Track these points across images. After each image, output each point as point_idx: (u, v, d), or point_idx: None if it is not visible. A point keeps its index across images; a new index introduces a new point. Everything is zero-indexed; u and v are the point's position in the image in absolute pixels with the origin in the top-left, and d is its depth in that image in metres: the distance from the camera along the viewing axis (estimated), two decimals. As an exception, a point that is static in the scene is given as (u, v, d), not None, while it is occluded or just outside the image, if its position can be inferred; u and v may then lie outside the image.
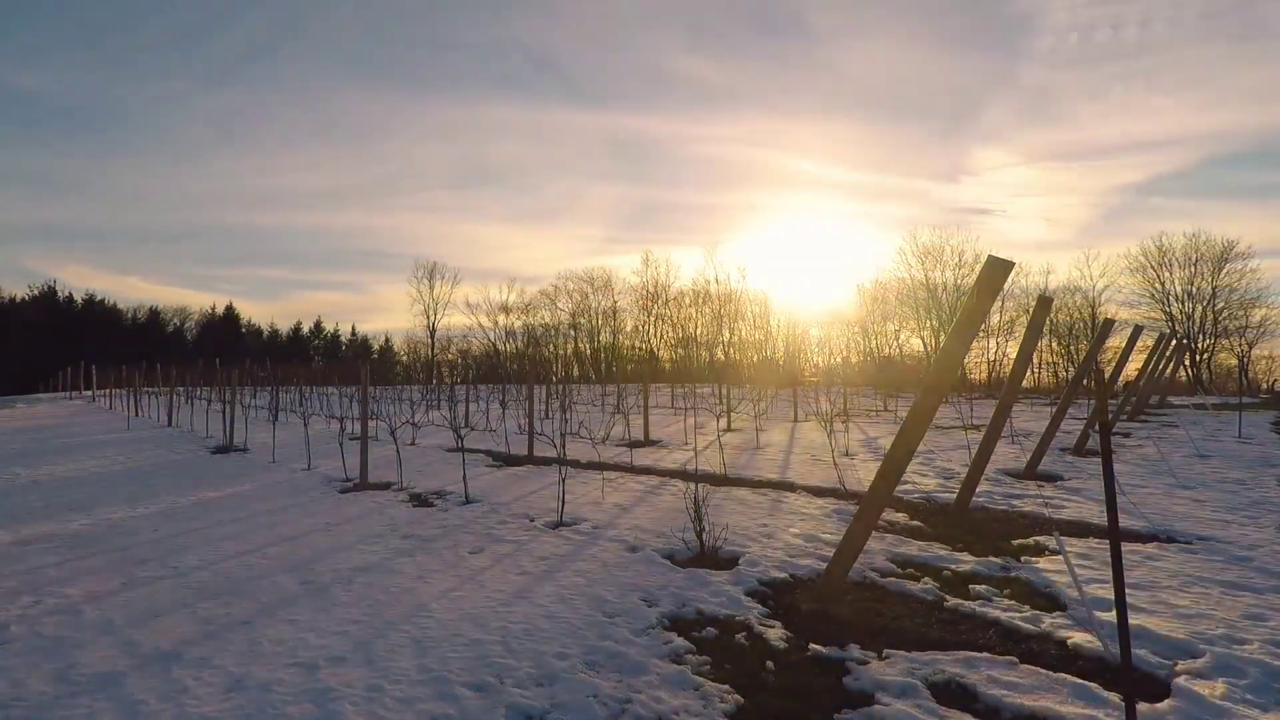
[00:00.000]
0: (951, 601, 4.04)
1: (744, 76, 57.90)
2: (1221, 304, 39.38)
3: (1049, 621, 3.70)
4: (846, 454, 9.98)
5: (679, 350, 50.06)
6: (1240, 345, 39.58)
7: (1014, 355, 7.28)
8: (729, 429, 13.62)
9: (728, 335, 49.02)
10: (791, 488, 7.50)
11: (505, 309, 54.12)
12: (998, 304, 36.76)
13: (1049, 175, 60.05)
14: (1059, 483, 7.66)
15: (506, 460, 10.03)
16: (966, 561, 4.77)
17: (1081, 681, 3.01)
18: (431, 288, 56.05)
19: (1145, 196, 55.88)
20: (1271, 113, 51.76)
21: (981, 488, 6.98)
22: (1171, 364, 18.29)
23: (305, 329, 70.27)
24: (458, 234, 76.20)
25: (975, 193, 56.11)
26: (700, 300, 49.58)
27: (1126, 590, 2.57)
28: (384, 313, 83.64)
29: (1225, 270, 38.92)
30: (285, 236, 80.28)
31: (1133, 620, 3.33)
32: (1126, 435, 11.78)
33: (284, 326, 70.60)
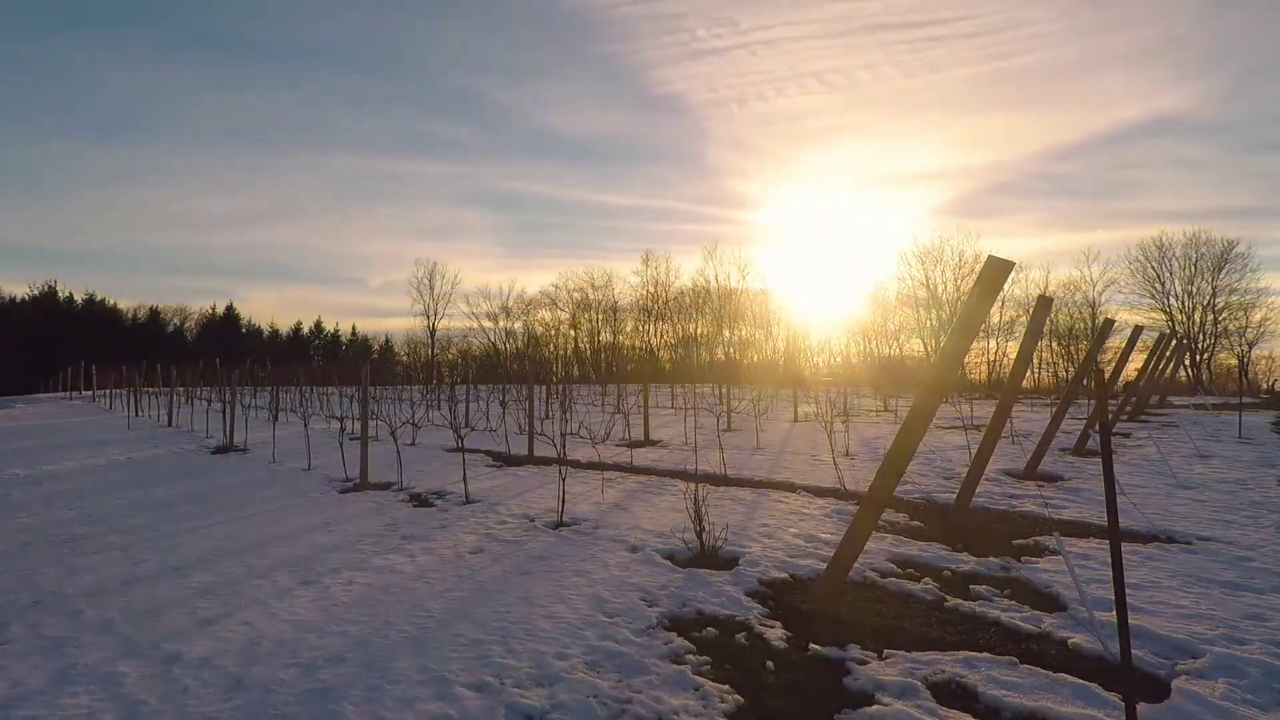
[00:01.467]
0: (951, 601, 4.04)
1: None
2: (1221, 304, 39.43)
3: (1049, 621, 3.70)
4: (846, 454, 9.98)
5: (679, 350, 50.08)
6: (1240, 345, 39.61)
7: (1014, 355, 7.27)
8: (729, 429, 13.62)
9: (728, 335, 49.07)
10: (791, 488, 7.50)
11: (505, 309, 54.18)
12: (998, 304, 36.78)
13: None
14: (1059, 483, 7.66)
15: (506, 460, 10.03)
16: (966, 561, 4.77)
17: (1081, 681, 3.01)
18: (432, 288, 56.11)
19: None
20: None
21: (982, 488, 6.98)
22: (1171, 364, 18.29)
23: (305, 329, 70.35)
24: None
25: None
26: (700, 300, 49.64)
27: (1126, 590, 2.57)
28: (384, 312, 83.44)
29: (1225, 270, 38.98)
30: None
31: (1133, 620, 3.33)
32: (1127, 435, 11.78)
33: (284, 326, 70.72)
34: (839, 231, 59.76)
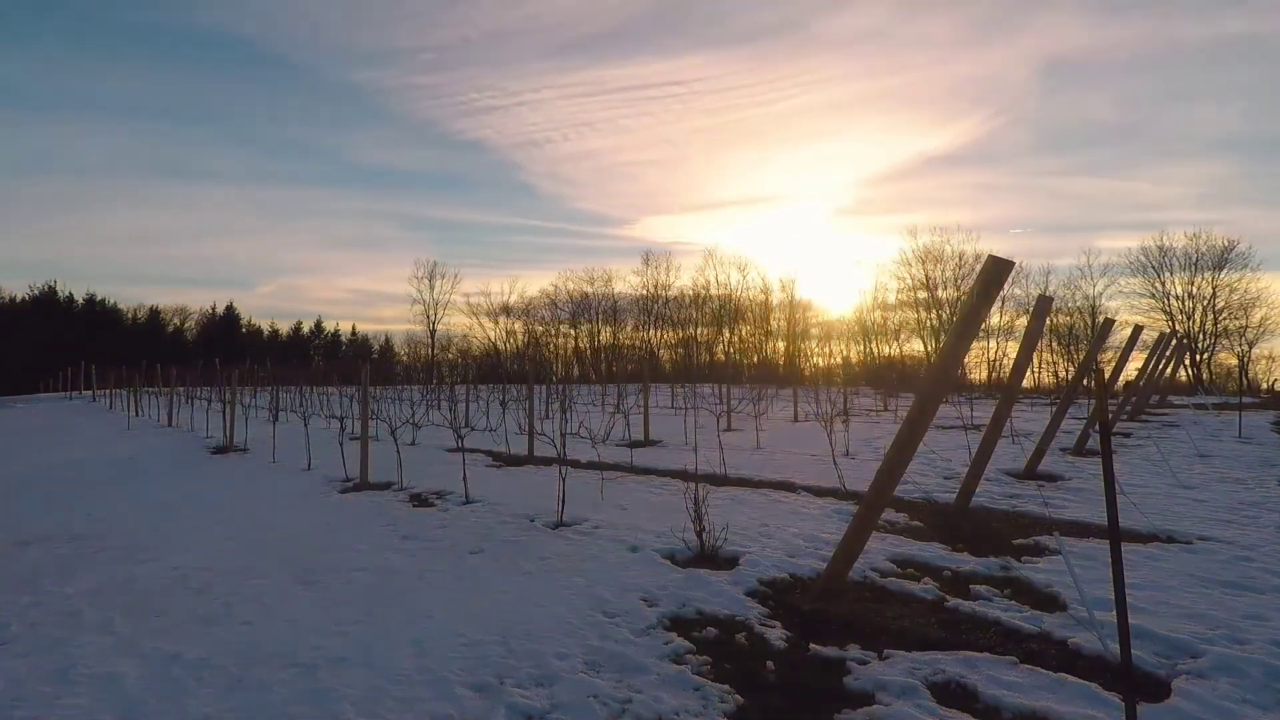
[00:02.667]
0: (952, 601, 4.04)
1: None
2: (1221, 304, 39.43)
3: (1049, 621, 3.70)
4: (846, 454, 9.98)
5: (679, 350, 50.07)
6: (1240, 345, 39.61)
7: (1014, 355, 7.27)
8: (729, 429, 13.62)
9: (728, 335, 49.06)
10: (791, 488, 7.50)
11: (505, 308, 54.17)
12: (997, 304, 36.81)
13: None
14: (1059, 483, 7.66)
15: (507, 460, 10.03)
16: (966, 561, 4.77)
17: (1082, 681, 3.01)
18: (432, 287, 56.09)
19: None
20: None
21: (982, 487, 6.98)
22: (1172, 364, 18.29)
23: (305, 329, 70.36)
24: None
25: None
26: (700, 300, 49.65)
27: (1127, 590, 2.57)
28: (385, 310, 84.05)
29: (1225, 270, 38.99)
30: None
31: (1133, 620, 3.32)
32: (1127, 435, 11.77)
33: (284, 326, 70.75)
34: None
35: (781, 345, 47.26)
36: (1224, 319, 39.59)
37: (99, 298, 60.43)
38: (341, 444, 9.26)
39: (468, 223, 77.42)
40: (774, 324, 48.13)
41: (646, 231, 71.06)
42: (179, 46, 67.02)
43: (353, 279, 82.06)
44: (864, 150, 64.37)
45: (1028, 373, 13.26)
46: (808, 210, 66.39)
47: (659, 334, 51.67)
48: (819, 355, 39.61)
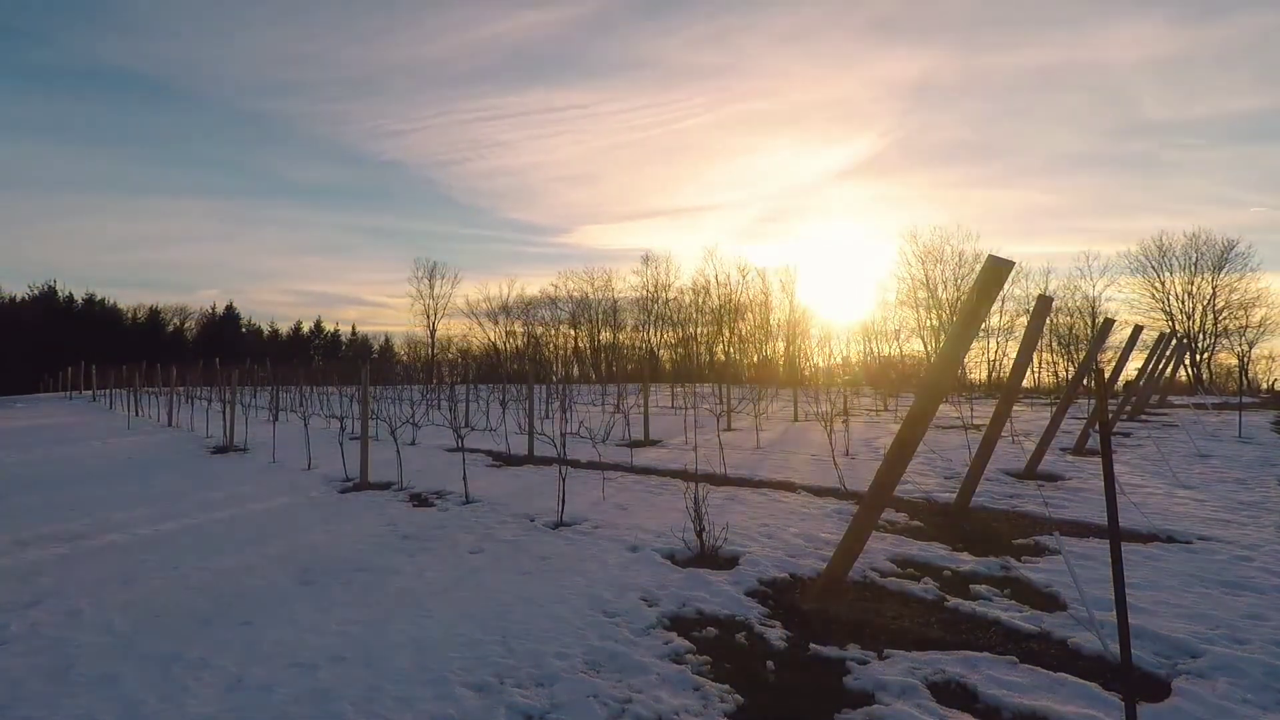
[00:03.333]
0: (952, 601, 4.04)
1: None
2: (1221, 304, 39.43)
3: (1049, 621, 3.70)
4: (847, 454, 9.98)
5: (679, 350, 50.08)
6: (1240, 345, 39.61)
7: (1014, 355, 7.27)
8: (729, 429, 13.62)
9: (728, 334, 49.07)
10: (791, 488, 7.50)
11: (505, 308, 54.18)
12: (997, 304, 36.82)
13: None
14: (1059, 482, 7.66)
15: (507, 460, 10.03)
16: (966, 561, 4.77)
17: (1082, 681, 3.01)
18: (432, 288, 56.10)
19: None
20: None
21: (982, 487, 6.98)
22: (1171, 364, 18.28)
23: (305, 329, 70.35)
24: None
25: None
26: (700, 300, 49.66)
27: (1127, 590, 2.57)
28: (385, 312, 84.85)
29: (1225, 270, 39.00)
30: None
31: (1133, 620, 3.32)
32: (1127, 435, 11.77)
33: (284, 326, 70.74)
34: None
35: (782, 345, 47.28)
36: (1224, 319, 39.61)
37: (99, 298, 60.49)
38: (341, 444, 9.26)
39: (396, 229, 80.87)
40: (774, 324, 48.18)
41: (584, 239, 74.73)
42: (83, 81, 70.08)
43: (308, 283, 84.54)
44: (774, 163, 68.18)
45: (1028, 373, 13.27)
46: (729, 219, 71.13)
47: (659, 334, 51.72)
48: (819, 355, 39.65)
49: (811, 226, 66.17)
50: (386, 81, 69.63)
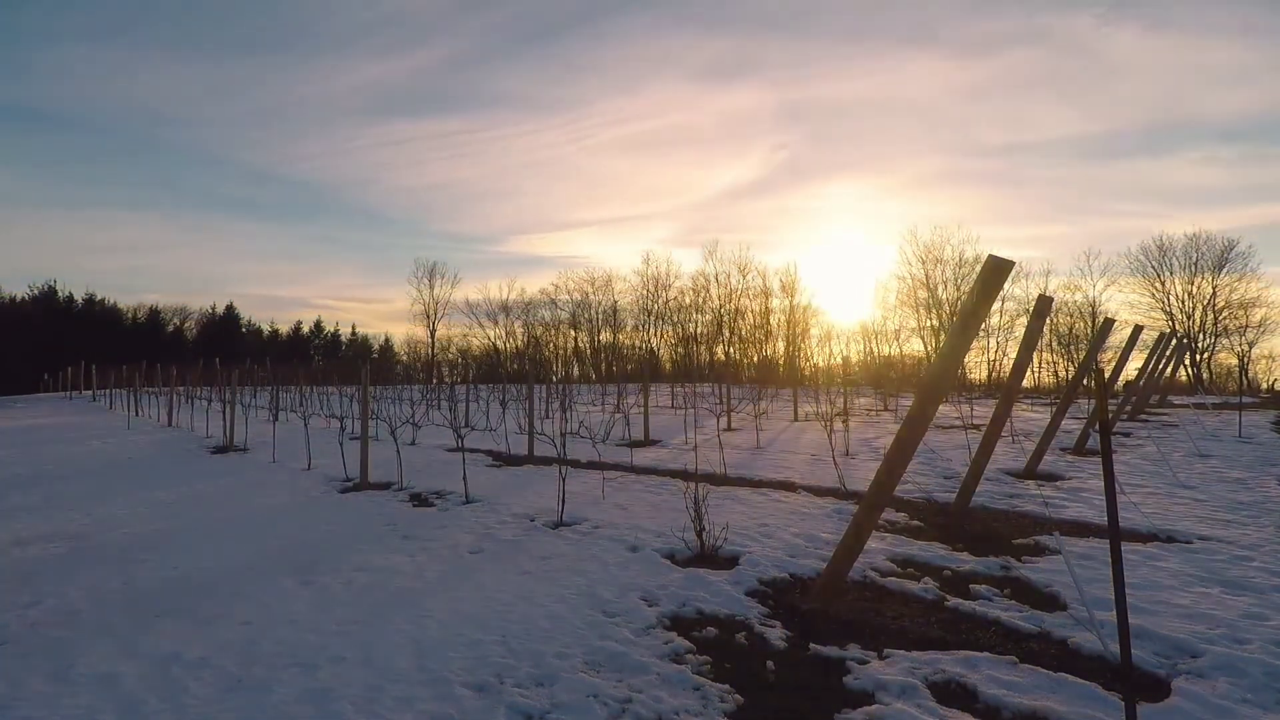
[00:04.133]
0: (952, 601, 4.04)
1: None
2: (1221, 304, 39.42)
3: (1049, 621, 3.70)
4: (846, 454, 9.98)
5: (679, 350, 50.07)
6: (1240, 345, 39.61)
7: (1014, 355, 7.27)
8: (729, 429, 13.62)
9: (728, 334, 49.06)
10: (791, 488, 7.50)
11: (505, 308, 54.15)
12: (998, 304, 36.84)
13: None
14: (1059, 482, 7.66)
15: (506, 460, 10.03)
16: (966, 561, 4.77)
17: (1082, 681, 3.01)
18: (432, 288, 56.08)
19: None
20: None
21: (982, 487, 6.98)
22: (1172, 364, 18.28)
23: (305, 329, 70.34)
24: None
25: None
26: (700, 300, 49.65)
27: (1127, 590, 2.57)
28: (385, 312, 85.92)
29: (1225, 270, 39.00)
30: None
31: (1133, 620, 3.32)
32: (1127, 435, 11.77)
33: (284, 326, 70.75)
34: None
35: (782, 345, 47.28)
36: (1224, 319, 39.61)
37: (99, 297, 60.47)
38: (341, 444, 9.26)
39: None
40: (774, 324, 48.18)
41: (514, 247, 78.90)
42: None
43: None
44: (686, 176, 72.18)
45: (1028, 373, 13.26)
46: (648, 230, 75.24)
47: (659, 334, 51.73)
48: (819, 355, 39.66)
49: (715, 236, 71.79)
50: (288, 113, 74.12)
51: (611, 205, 74.85)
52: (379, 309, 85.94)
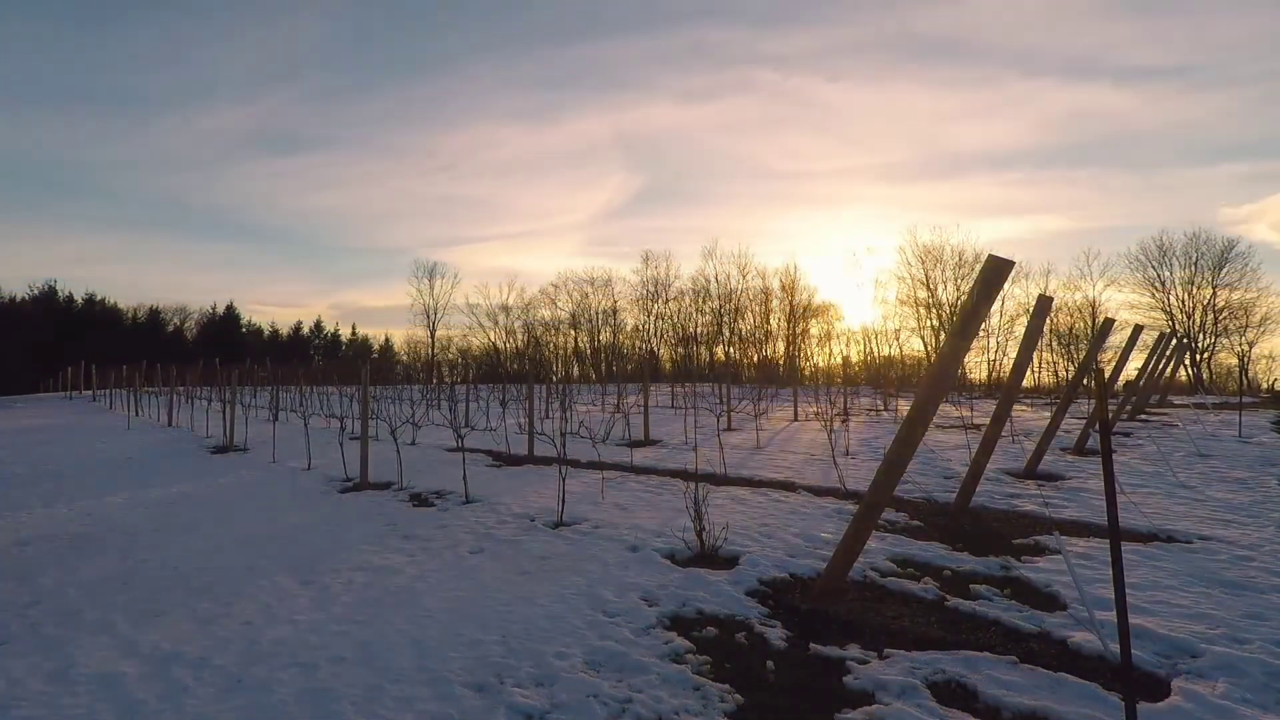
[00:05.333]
0: (952, 601, 4.04)
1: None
2: (1221, 304, 39.42)
3: (1049, 621, 3.70)
4: (846, 454, 9.98)
5: (679, 349, 50.05)
6: (1240, 345, 39.60)
7: (1014, 355, 7.27)
8: (729, 428, 13.62)
9: (728, 333, 49.04)
10: (791, 487, 7.50)
11: (505, 308, 54.13)
12: (998, 304, 36.84)
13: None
14: (1059, 482, 7.66)
15: (506, 460, 10.03)
16: (966, 561, 4.77)
17: (1082, 681, 3.01)
18: (432, 287, 56.05)
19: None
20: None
21: (982, 487, 6.98)
22: (1172, 363, 18.28)
23: (305, 329, 70.35)
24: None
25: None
26: (700, 299, 49.63)
27: (1127, 590, 2.57)
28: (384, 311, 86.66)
29: (1225, 270, 38.99)
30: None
31: (1133, 620, 3.32)
32: (1127, 435, 11.77)
33: (284, 326, 70.77)
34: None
35: (782, 346, 47.27)
36: (1224, 319, 39.60)
37: (99, 297, 60.49)
38: (341, 444, 9.26)
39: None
40: (774, 324, 48.17)
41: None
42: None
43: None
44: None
45: (1028, 373, 13.27)
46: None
47: (659, 334, 51.73)
48: (819, 355, 39.67)
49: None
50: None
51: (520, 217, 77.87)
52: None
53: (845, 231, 68.22)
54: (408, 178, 76.74)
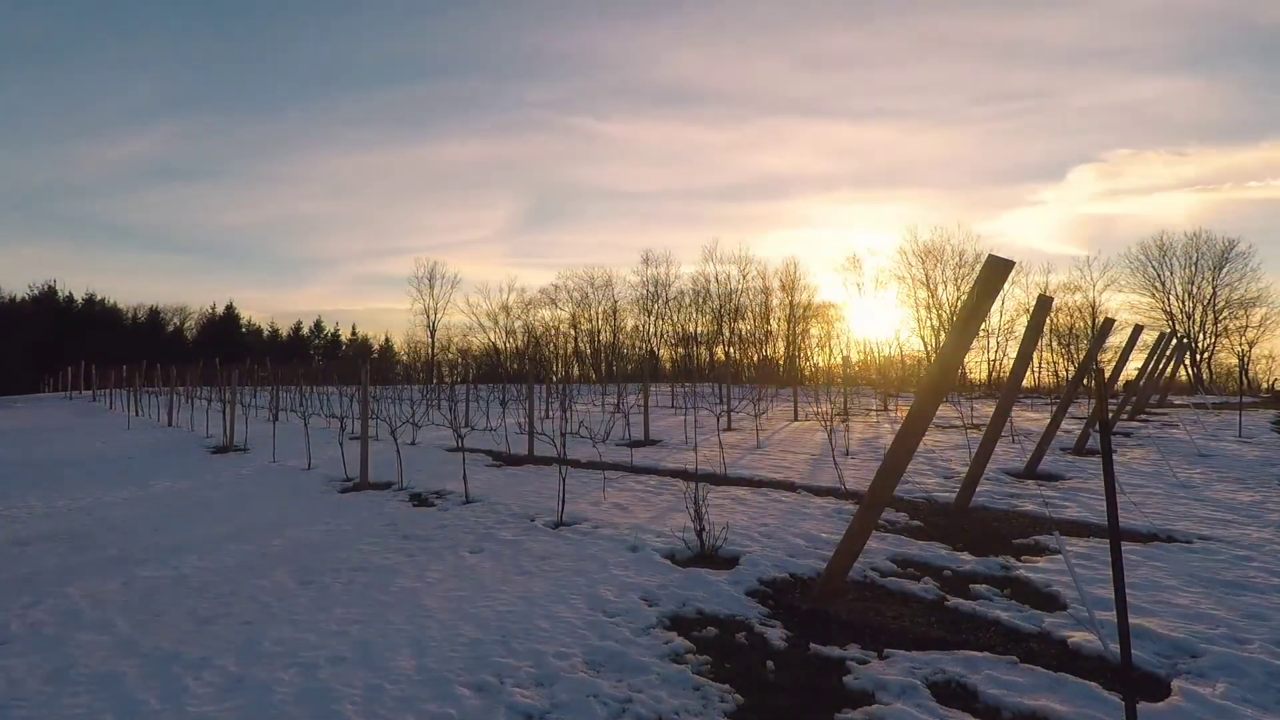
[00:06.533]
0: (952, 601, 4.04)
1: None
2: (1222, 303, 39.41)
3: (1049, 621, 3.70)
4: (846, 454, 9.98)
5: (679, 350, 50.04)
6: (1240, 345, 39.60)
7: (1014, 355, 7.28)
8: (729, 429, 13.62)
9: (728, 333, 49.04)
10: (791, 487, 7.50)
11: (505, 308, 54.11)
12: (998, 304, 36.85)
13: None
14: (1059, 482, 7.66)
15: (506, 460, 10.03)
16: (967, 561, 4.77)
17: (1082, 681, 3.01)
18: (432, 287, 56.03)
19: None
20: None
21: (982, 487, 6.98)
22: (1172, 363, 18.28)
23: (305, 329, 70.32)
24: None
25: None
26: (700, 299, 49.62)
27: (1127, 590, 2.57)
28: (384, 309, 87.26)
29: (1225, 269, 38.99)
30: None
31: (1133, 620, 3.32)
32: (1127, 435, 11.77)
33: (284, 326, 70.74)
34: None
35: (782, 345, 47.27)
36: (1224, 319, 39.60)
37: (99, 297, 60.47)
38: (341, 444, 9.26)
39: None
40: (774, 324, 48.17)
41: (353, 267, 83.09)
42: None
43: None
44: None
45: (1028, 373, 13.27)
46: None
47: (659, 334, 51.72)
48: (819, 354, 39.67)
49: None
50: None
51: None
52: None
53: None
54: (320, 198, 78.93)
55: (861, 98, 64.09)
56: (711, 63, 65.44)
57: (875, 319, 45.67)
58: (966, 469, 6.52)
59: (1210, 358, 40.51)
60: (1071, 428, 11.60)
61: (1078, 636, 3.47)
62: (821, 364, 37.32)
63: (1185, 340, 31.37)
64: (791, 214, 69.06)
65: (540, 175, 75.49)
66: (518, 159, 73.29)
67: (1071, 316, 40.76)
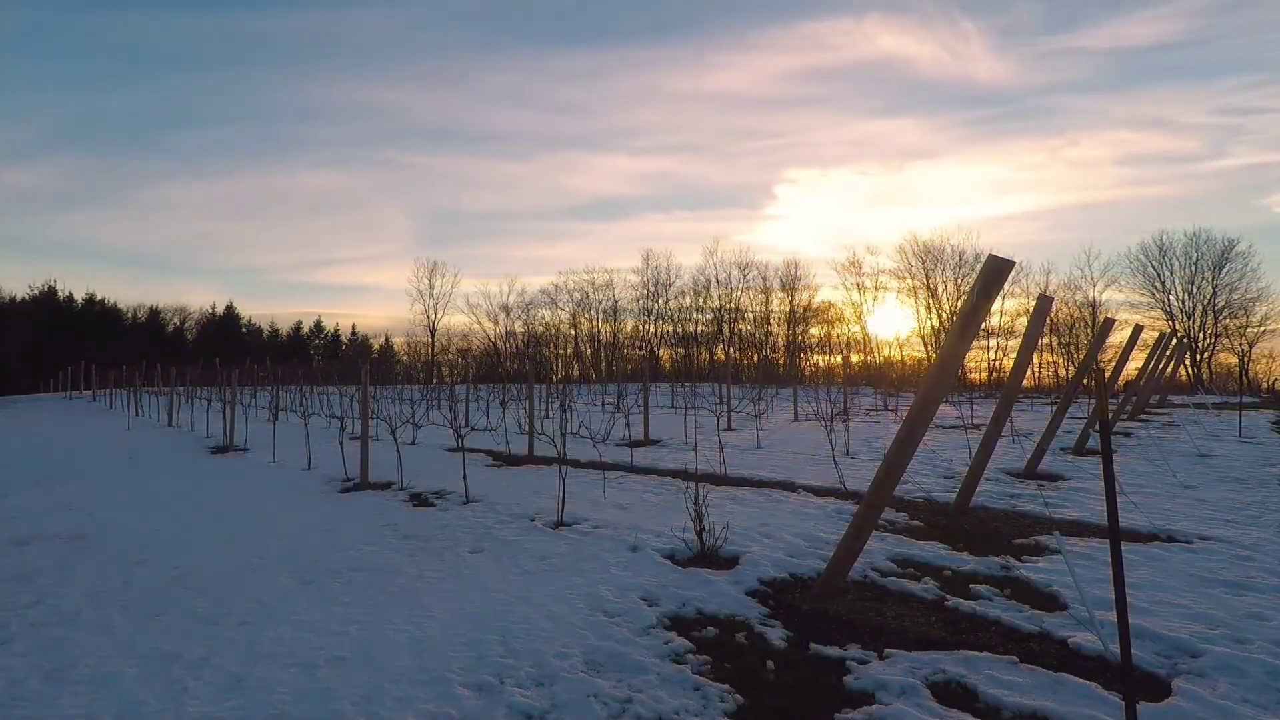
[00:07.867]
0: (952, 601, 4.04)
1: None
2: (1222, 303, 39.41)
3: (1049, 621, 3.70)
4: (847, 454, 9.98)
5: (679, 350, 50.03)
6: (1240, 344, 39.59)
7: (1014, 355, 7.28)
8: (729, 429, 13.62)
9: (728, 334, 49.05)
10: (791, 488, 7.49)
11: (505, 308, 54.11)
12: (997, 304, 36.84)
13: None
14: (1059, 482, 7.66)
15: (507, 460, 10.03)
16: (967, 561, 4.77)
17: (1082, 681, 3.01)
18: (432, 286, 56.00)
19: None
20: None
21: (982, 487, 6.97)
22: (1172, 363, 18.28)
23: (305, 329, 70.31)
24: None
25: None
26: (700, 299, 49.63)
27: (1127, 590, 2.57)
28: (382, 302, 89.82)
29: (1225, 269, 38.99)
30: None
31: (1133, 620, 3.32)
32: (1127, 435, 11.77)
33: (284, 326, 70.74)
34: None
35: (782, 345, 47.26)
36: (1224, 319, 39.59)
37: (99, 297, 60.46)
38: (341, 444, 9.26)
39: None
40: (774, 324, 48.19)
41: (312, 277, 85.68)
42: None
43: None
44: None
45: (1028, 372, 13.26)
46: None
47: (659, 334, 51.72)
48: (819, 354, 39.66)
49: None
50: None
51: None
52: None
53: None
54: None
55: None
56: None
57: (875, 319, 45.67)
58: (966, 469, 6.52)
59: (1210, 358, 40.52)
60: (1071, 428, 11.60)
61: (1078, 636, 3.47)
62: (821, 364, 37.29)
63: (1185, 340, 31.38)
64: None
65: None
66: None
67: (1071, 316, 40.79)
